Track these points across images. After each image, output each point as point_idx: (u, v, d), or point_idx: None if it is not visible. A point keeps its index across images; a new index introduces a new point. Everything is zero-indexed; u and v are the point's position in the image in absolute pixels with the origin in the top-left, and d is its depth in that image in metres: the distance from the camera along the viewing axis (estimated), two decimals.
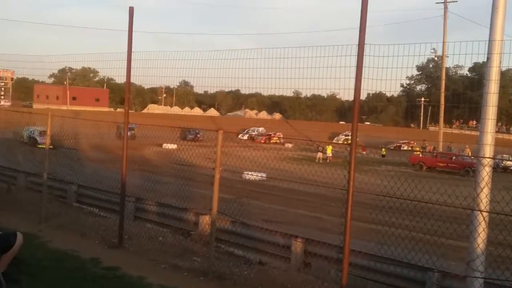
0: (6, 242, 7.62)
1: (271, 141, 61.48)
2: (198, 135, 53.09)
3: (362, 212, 13.59)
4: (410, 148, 59.21)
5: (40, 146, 36.07)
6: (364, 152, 50.92)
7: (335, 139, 67.55)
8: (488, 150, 7.94)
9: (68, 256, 9.73)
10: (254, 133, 62.94)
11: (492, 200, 7.76)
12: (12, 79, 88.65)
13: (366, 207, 12.36)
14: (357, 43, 7.40)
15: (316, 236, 11.70)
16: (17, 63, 14.97)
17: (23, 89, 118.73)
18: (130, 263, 9.49)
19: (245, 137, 60.76)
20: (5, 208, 13.30)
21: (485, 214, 7.68)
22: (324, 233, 15.14)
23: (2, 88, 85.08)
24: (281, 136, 60.57)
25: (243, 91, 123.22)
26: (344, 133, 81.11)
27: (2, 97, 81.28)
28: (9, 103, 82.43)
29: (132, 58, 10.60)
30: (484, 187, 7.75)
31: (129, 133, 45.35)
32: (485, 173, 7.86)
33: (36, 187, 15.07)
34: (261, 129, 66.86)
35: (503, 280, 8.39)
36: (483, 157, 7.96)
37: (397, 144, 60.16)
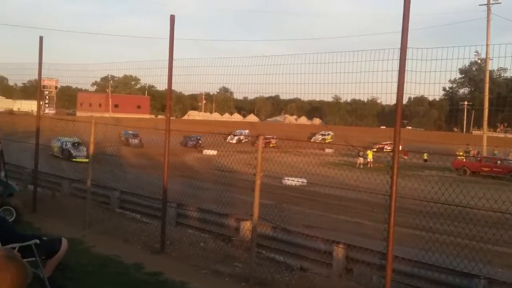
0: (52, 248, 7.77)
1: (270, 145, 57.19)
2: (200, 141, 51.72)
3: (405, 218, 13.42)
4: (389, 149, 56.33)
5: (75, 160, 34.59)
6: (406, 157, 50.21)
7: (313, 138, 65.84)
8: None
9: (111, 261, 9.86)
10: (242, 136, 58.94)
11: None
12: (56, 87, 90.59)
13: (409, 212, 12.20)
14: (399, 47, 7.32)
15: (358, 242, 11.57)
16: (61, 72, 15.27)
17: (67, 97, 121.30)
18: (172, 269, 9.55)
19: (234, 140, 56.31)
20: (50, 214, 13.58)
21: None
22: (366, 239, 14.96)
23: (47, 97, 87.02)
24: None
25: (282, 97, 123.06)
26: (320, 133, 79.60)
27: (47, 105, 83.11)
28: (53, 111, 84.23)
29: (173, 66, 10.69)
30: None
31: (136, 140, 46.14)
32: None
33: (80, 193, 15.35)
34: (246, 131, 63.23)
35: None
36: None
37: (380, 145, 58.06)
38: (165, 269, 9.44)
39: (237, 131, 63.50)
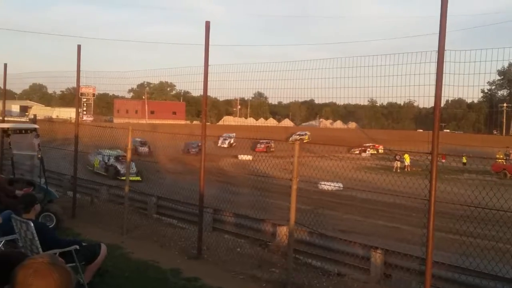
0: (91, 253, 7.87)
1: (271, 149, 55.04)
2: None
3: (444, 223, 13.17)
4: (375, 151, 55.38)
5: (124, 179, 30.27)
6: (444, 161, 49.40)
7: (290, 139, 64.26)
8: None
9: (149, 266, 9.94)
10: (232, 140, 56.53)
11: None
12: (93, 94, 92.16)
13: (448, 217, 11.97)
14: (436, 49, 7.21)
15: (396, 247, 11.43)
16: (98, 79, 15.51)
17: (104, 104, 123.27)
18: (209, 274, 9.57)
19: (226, 144, 55.83)
20: (89, 220, 13.78)
21: None
22: (404, 244, 14.78)
23: (85, 104, 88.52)
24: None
25: (317, 101, 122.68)
26: (297, 133, 77.83)
27: (85, 112, 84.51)
28: (91, 118, 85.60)
29: (208, 71, 10.72)
30: None
31: (144, 148, 43.86)
32: None
33: (117, 199, 15.54)
34: (233, 135, 58.70)
35: None
36: None
37: (362, 148, 56.57)
38: (202, 274, 9.47)
39: (225, 134, 60.26)
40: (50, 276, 2.03)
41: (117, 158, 32.32)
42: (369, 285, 9.33)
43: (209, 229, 12.90)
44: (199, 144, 46.83)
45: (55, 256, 2.20)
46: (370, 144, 57.58)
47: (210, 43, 10.60)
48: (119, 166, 31.91)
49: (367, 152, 56.20)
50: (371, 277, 9.84)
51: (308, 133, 77.23)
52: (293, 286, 9.01)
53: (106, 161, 32.85)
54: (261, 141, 55.73)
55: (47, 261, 2.10)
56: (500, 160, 44.70)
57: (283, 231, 11.38)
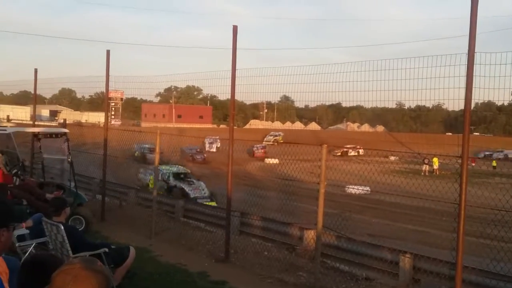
0: (120, 256, 7.95)
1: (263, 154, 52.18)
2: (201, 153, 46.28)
3: (474, 227, 12.99)
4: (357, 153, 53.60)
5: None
6: (474, 164, 48.66)
7: (265, 139, 62.28)
8: None
9: (177, 269, 9.99)
10: (218, 144, 51.77)
11: None
12: (121, 99, 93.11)
13: (479, 221, 11.81)
14: (466, 51, 7.14)
15: (425, 252, 11.30)
16: (126, 84, 15.68)
17: (132, 108, 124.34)
18: (237, 277, 9.59)
19: (214, 148, 52.15)
20: (117, 223, 13.92)
21: None
22: (433, 249, 14.63)
23: (113, 108, 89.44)
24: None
25: (344, 104, 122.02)
26: (271, 133, 74.38)
27: (113, 116, 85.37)
28: (119, 122, 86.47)
29: (236, 75, 10.75)
30: None
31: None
32: None
33: (145, 202, 15.65)
34: (217, 138, 52.58)
35: None
36: None
37: (344, 150, 55.20)
38: (230, 277, 9.49)
39: (208, 138, 54.55)
40: (89, 281, 2.04)
41: (178, 176, 26.46)
42: None
43: (236, 232, 12.91)
44: (198, 149, 43.53)
45: (93, 259, 2.21)
46: (352, 146, 56.55)
47: (237, 47, 10.65)
48: (186, 188, 25.04)
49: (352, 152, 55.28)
50: (399, 282, 9.74)
51: (281, 133, 74.92)
52: None
53: (169, 181, 25.92)
54: (256, 145, 53.23)
55: (85, 266, 2.11)
56: None
57: (310, 235, 11.33)
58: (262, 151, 52.44)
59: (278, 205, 17.97)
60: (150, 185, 23.94)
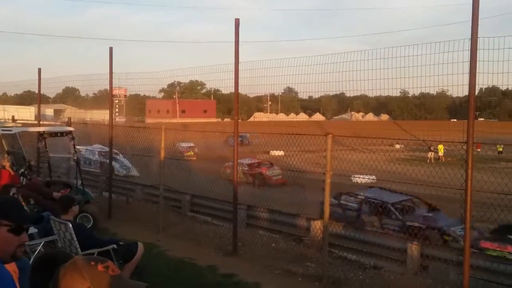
0: (129, 252, 7.99)
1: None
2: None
3: (481, 212, 12.98)
4: None
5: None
6: (479, 150, 48.41)
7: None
8: None
9: (186, 264, 10.04)
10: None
11: None
12: (125, 96, 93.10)
13: (486, 207, 11.80)
14: (469, 37, 7.13)
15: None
16: (130, 80, 15.67)
17: (136, 104, 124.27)
18: (245, 270, 9.63)
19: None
20: (125, 219, 13.96)
21: None
22: None
23: (117, 105, 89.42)
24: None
25: (348, 94, 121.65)
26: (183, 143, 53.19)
27: (117, 113, 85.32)
28: (123, 119, 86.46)
29: (239, 68, 10.76)
30: None
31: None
32: None
33: (152, 198, 15.68)
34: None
35: None
36: None
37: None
38: (239, 270, 9.54)
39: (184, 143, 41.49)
40: (86, 275, 2.04)
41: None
42: (406, 277, 9.26)
43: (243, 225, 12.95)
44: (191, 145, 39.86)
45: (98, 257, 2.20)
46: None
47: (240, 40, 10.65)
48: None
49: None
50: (407, 269, 9.77)
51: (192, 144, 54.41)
52: (329, 279, 9.01)
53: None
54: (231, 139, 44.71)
55: (87, 261, 2.11)
56: None
57: (317, 225, 11.37)
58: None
59: (284, 197, 18.01)
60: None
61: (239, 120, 11.34)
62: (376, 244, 10.56)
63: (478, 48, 7.21)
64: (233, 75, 10.78)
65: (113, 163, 23.33)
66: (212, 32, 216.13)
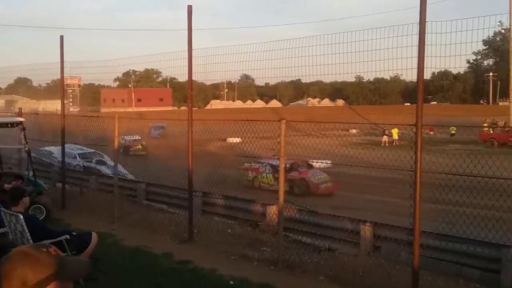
0: (82, 242, 7.93)
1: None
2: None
3: (430, 193, 13.29)
4: None
5: None
6: (432, 132, 49.51)
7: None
8: None
9: (141, 252, 10.02)
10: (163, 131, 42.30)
11: None
12: (79, 85, 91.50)
13: (435, 187, 12.09)
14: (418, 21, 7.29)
15: (386, 220, 11.54)
16: (84, 69, 15.45)
17: (90, 94, 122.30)
18: (201, 256, 9.66)
19: (158, 136, 42.81)
20: (79, 210, 13.81)
21: None
22: (394, 217, 14.91)
23: (71, 95, 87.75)
24: None
25: (304, 80, 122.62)
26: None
27: (71, 103, 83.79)
28: (77, 109, 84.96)
29: (192, 56, 10.74)
30: None
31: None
32: None
33: (107, 188, 15.54)
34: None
35: None
36: None
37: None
38: (194, 257, 9.56)
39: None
40: (27, 260, 2.03)
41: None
42: (359, 258, 9.44)
43: (199, 212, 12.96)
44: (137, 138, 35.92)
45: (42, 244, 2.20)
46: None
47: (195, 27, 10.65)
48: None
49: None
50: (361, 250, 9.98)
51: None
52: (284, 263, 9.12)
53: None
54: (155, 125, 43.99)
55: (28, 247, 2.10)
56: (486, 129, 44.97)
57: (272, 210, 11.47)
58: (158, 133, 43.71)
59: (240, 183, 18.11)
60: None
61: (195, 108, 11.32)
62: (330, 227, 10.72)
63: (426, 32, 7.36)
64: (187, 62, 10.75)
65: (103, 168, 22.08)
66: (170, 19, 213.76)
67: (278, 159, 9.59)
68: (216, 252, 9.98)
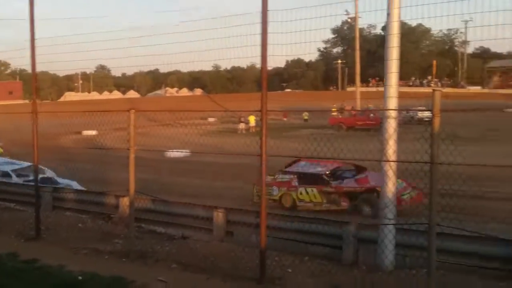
0: None
1: None
2: None
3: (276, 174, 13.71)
4: None
5: None
6: (285, 119, 51.31)
7: None
8: (392, 103, 8.23)
9: None
10: None
11: (404, 151, 7.97)
12: None
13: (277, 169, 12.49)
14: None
15: (238, 205, 11.83)
16: None
17: None
18: (49, 254, 9.26)
19: None
20: None
21: (392, 164, 8.00)
22: (247, 201, 15.34)
23: None
24: None
25: (162, 70, 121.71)
26: None
27: None
28: None
29: (38, 45, 10.35)
30: (389, 138, 8.06)
31: None
32: (390, 124, 8.17)
33: None
34: None
35: (410, 224, 8.79)
36: (386, 110, 8.26)
37: None
38: (42, 255, 9.13)
39: None
40: None
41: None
42: (211, 244, 9.59)
43: (49, 208, 12.46)
44: None
45: None
46: None
47: (42, 17, 10.26)
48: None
49: None
50: (214, 236, 10.14)
51: None
52: (136, 254, 8.99)
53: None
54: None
55: None
56: (335, 114, 47.39)
57: (124, 202, 11.28)
58: None
59: (93, 176, 17.58)
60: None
61: (47, 101, 10.86)
62: (184, 215, 10.78)
63: (268, 20, 7.57)
64: (30, 51, 10.32)
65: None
66: (20, 9, 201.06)
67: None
68: (66, 248, 9.62)
